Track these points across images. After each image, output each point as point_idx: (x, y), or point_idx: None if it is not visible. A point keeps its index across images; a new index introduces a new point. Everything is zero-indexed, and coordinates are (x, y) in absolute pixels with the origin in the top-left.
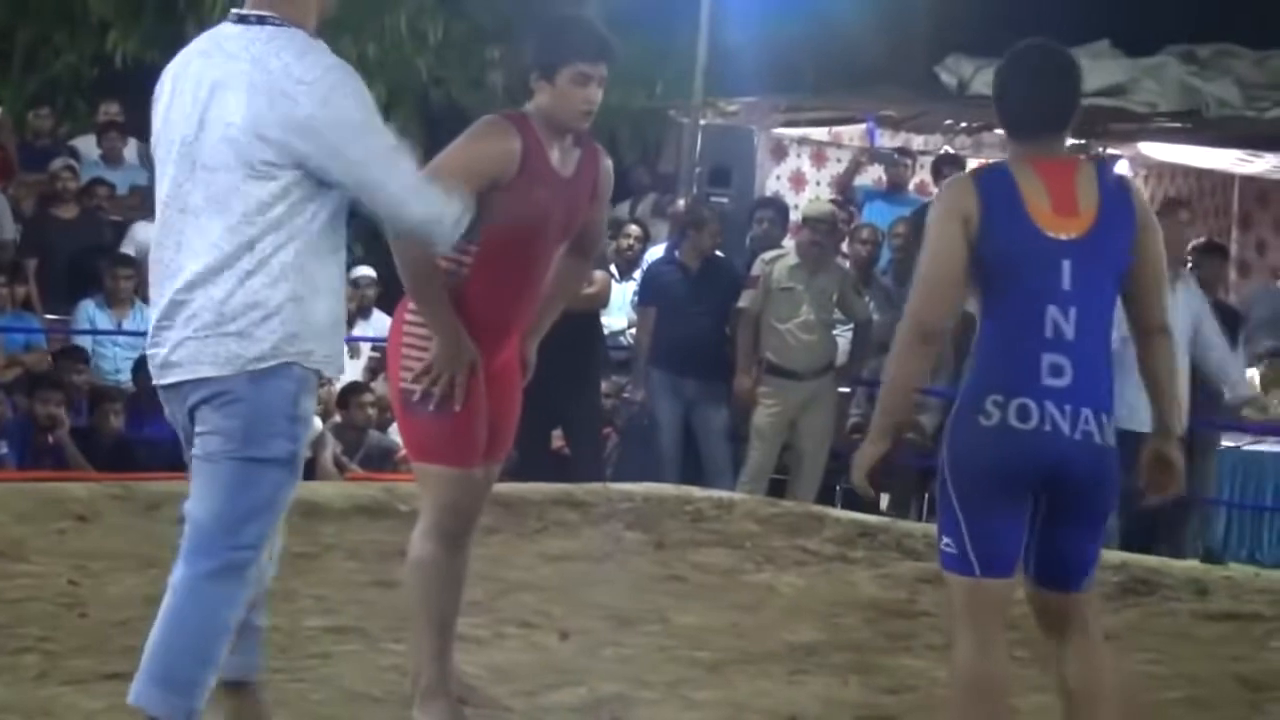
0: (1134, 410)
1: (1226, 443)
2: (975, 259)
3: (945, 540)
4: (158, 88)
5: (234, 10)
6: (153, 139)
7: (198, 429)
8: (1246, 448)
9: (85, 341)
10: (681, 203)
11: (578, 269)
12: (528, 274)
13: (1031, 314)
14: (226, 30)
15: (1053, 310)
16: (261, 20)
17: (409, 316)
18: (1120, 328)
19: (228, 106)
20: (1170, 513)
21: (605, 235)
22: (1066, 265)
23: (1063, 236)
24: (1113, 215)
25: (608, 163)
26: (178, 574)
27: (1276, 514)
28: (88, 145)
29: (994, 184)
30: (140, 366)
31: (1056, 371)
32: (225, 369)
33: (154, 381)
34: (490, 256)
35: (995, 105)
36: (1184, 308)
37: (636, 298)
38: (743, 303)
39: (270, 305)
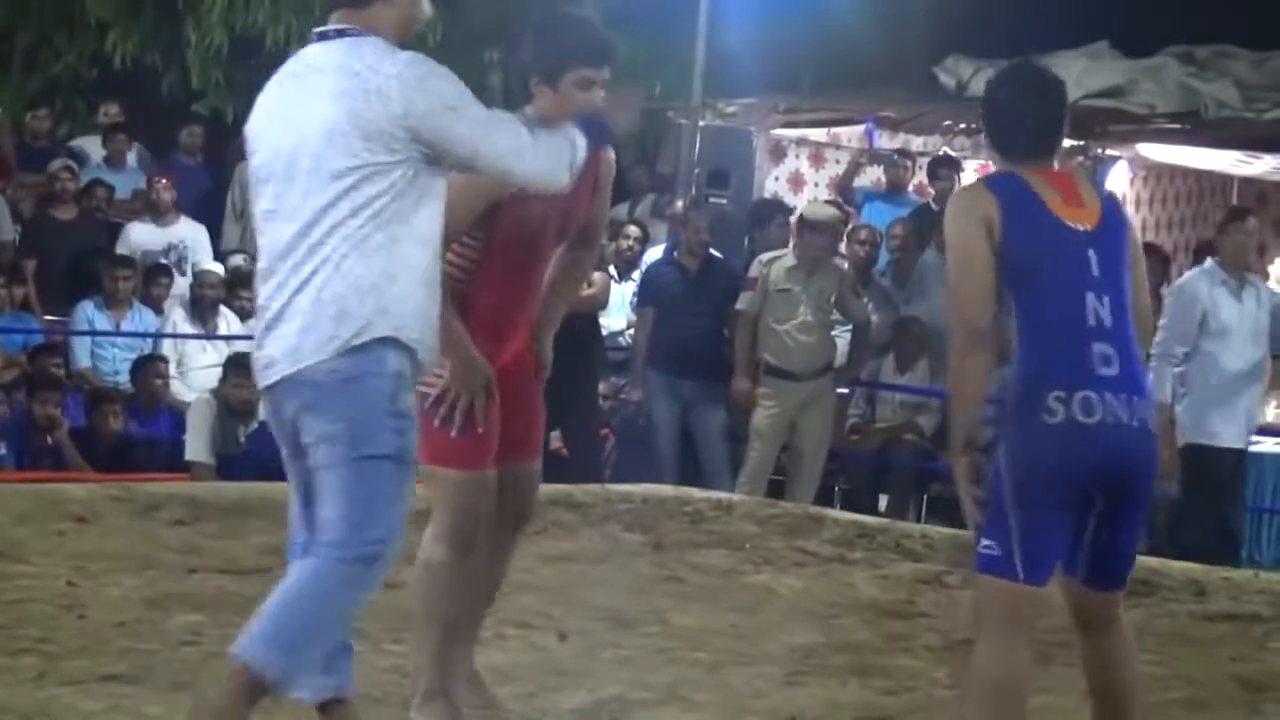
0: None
1: None
2: (1003, 259)
3: (987, 543)
4: (253, 116)
5: (315, 30)
6: (250, 166)
7: (304, 439)
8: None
9: (84, 342)
10: (680, 204)
11: (580, 261)
12: (528, 280)
13: (1072, 304)
14: (310, 50)
15: (1090, 298)
16: (340, 33)
17: None
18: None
19: (324, 115)
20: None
21: (605, 227)
22: (1092, 254)
23: (1082, 227)
24: (1112, 214)
25: (609, 155)
26: (306, 560)
27: (1275, 515)
28: (92, 146)
29: (1007, 185)
30: (138, 367)
31: (1106, 360)
32: (323, 353)
33: (258, 385)
34: (491, 266)
35: (986, 127)
36: (1260, 308)
37: (635, 298)
38: (741, 304)
39: (364, 284)
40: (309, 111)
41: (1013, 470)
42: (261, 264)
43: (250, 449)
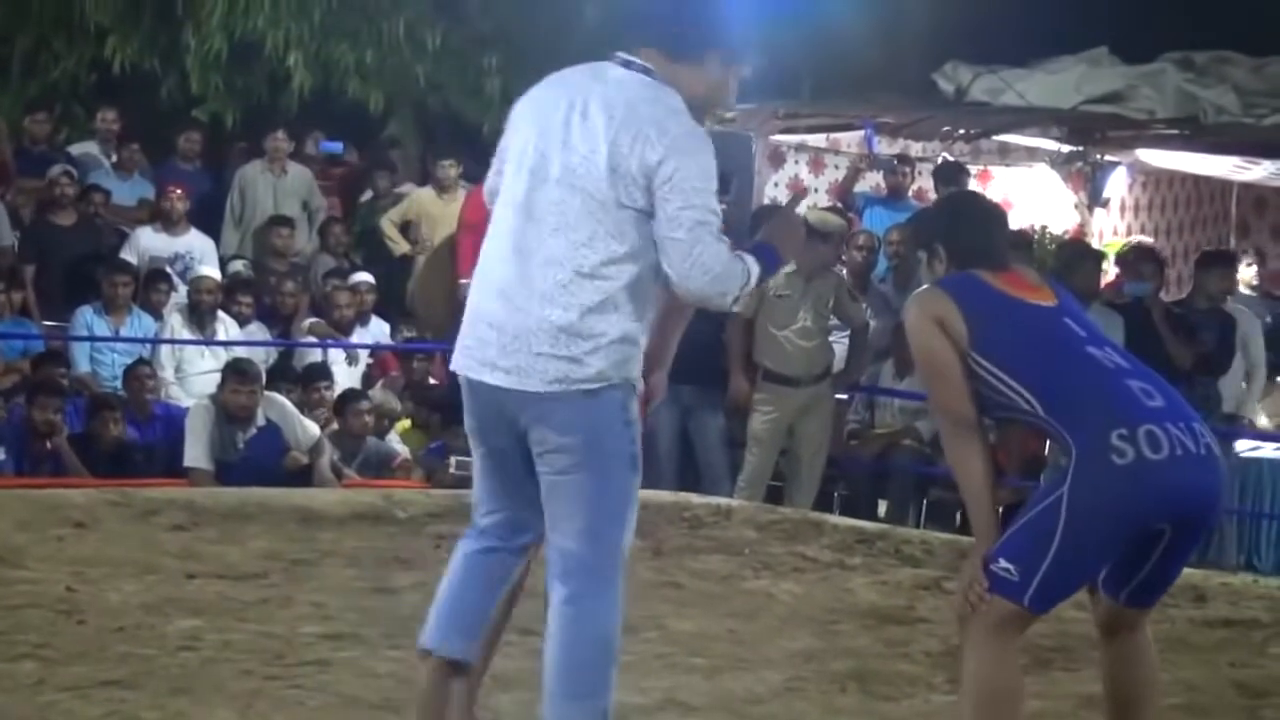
0: None
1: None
2: (987, 351)
3: (1005, 564)
4: (537, 90)
5: (620, 54)
6: (512, 139)
7: (537, 449)
8: (1244, 454)
9: (83, 347)
10: None
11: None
12: None
13: (1083, 359)
14: (613, 68)
15: (1094, 350)
16: (646, 71)
17: None
18: None
19: (596, 135)
20: None
21: None
22: (1068, 321)
23: (1047, 304)
24: (1064, 292)
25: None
26: (557, 595)
27: (1274, 521)
28: (91, 151)
29: (961, 283)
30: (130, 373)
31: (1148, 394)
32: (553, 387)
33: (463, 371)
34: None
35: (944, 243)
36: None
37: None
38: (735, 307)
39: (602, 340)
40: (585, 125)
41: (1071, 510)
42: (490, 247)
43: (249, 454)
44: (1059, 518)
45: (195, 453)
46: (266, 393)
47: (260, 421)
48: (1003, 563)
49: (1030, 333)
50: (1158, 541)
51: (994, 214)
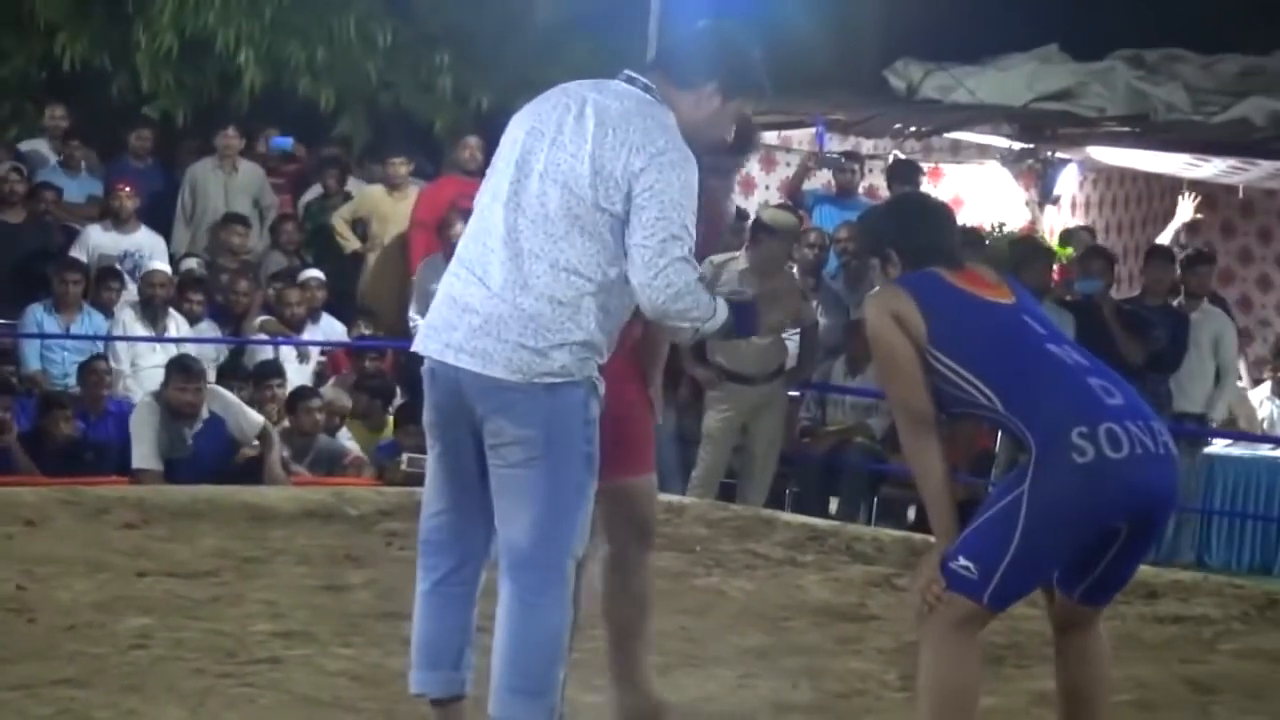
0: None
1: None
2: (947, 346)
3: (965, 562)
4: (538, 98)
5: (628, 71)
6: (504, 140)
7: (491, 441)
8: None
9: (33, 345)
10: None
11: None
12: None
13: (1043, 355)
14: (616, 83)
15: (1053, 347)
16: (647, 88)
17: None
18: None
19: (585, 135)
20: None
21: None
22: (1026, 319)
23: (1005, 301)
24: (1021, 289)
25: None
26: (506, 590)
27: (1225, 517)
28: (41, 149)
29: (920, 280)
30: (86, 367)
31: (1107, 392)
32: (515, 377)
33: (426, 352)
34: None
35: (895, 247)
36: None
37: None
38: (688, 339)
39: (570, 337)
40: (578, 128)
41: (1032, 508)
42: (473, 230)
43: (196, 451)
44: (1019, 516)
45: (142, 452)
46: (209, 386)
47: (205, 415)
48: (962, 560)
49: (989, 329)
50: (1114, 540)
51: (941, 212)
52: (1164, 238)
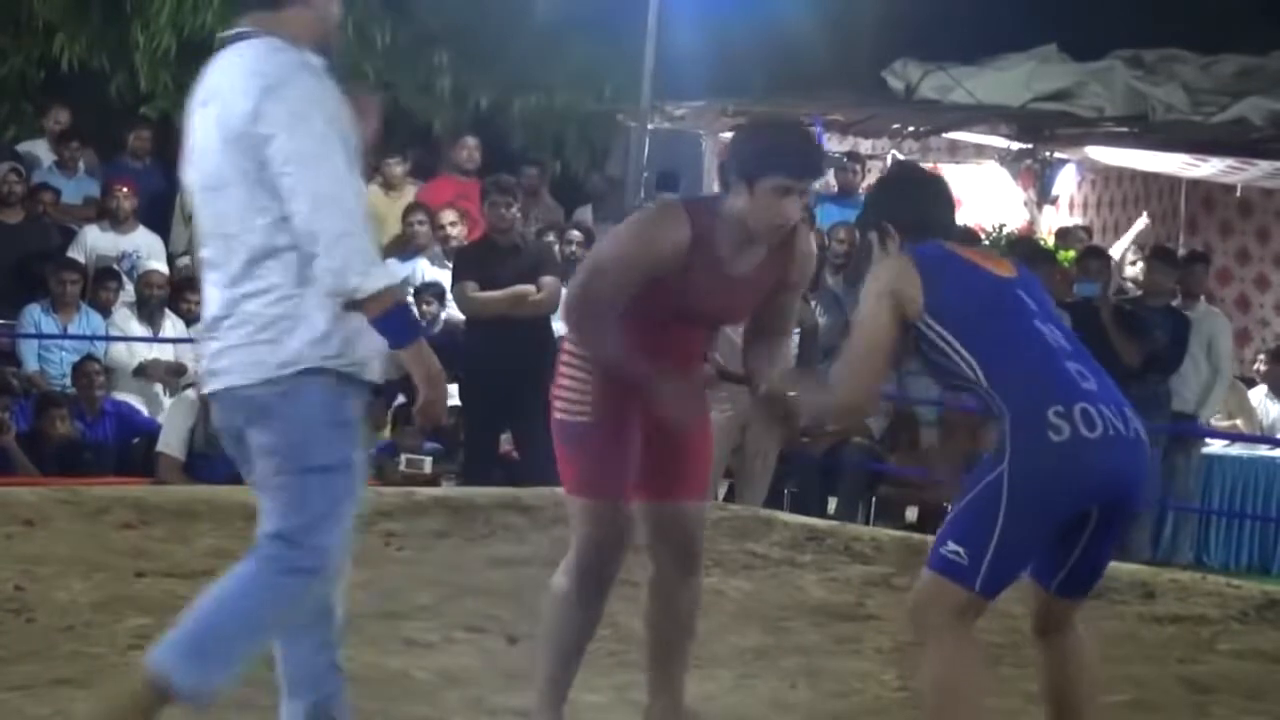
0: None
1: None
2: (942, 314)
3: (954, 547)
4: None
5: (219, 36)
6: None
7: (251, 454)
8: (1203, 452)
9: (31, 345)
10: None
11: (766, 351)
12: (663, 348)
13: (1029, 334)
14: (222, 54)
15: (1040, 325)
16: (241, 36)
17: (566, 346)
18: None
19: (210, 120)
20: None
21: (792, 317)
22: (1023, 294)
23: (1005, 275)
24: (1023, 267)
25: (807, 248)
26: (238, 567)
27: (1223, 517)
28: (40, 150)
29: (927, 251)
30: (78, 369)
31: (1083, 376)
32: (251, 377)
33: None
34: (629, 326)
35: (890, 220)
36: None
37: None
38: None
39: (296, 313)
40: (204, 118)
41: (1012, 487)
42: (202, 258)
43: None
44: (1001, 496)
45: (169, 439)
46: None
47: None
48: (951, 545)
49: (981, 298)
50: (1084, 525)
51: (936, 184)
52: (1116, 250)
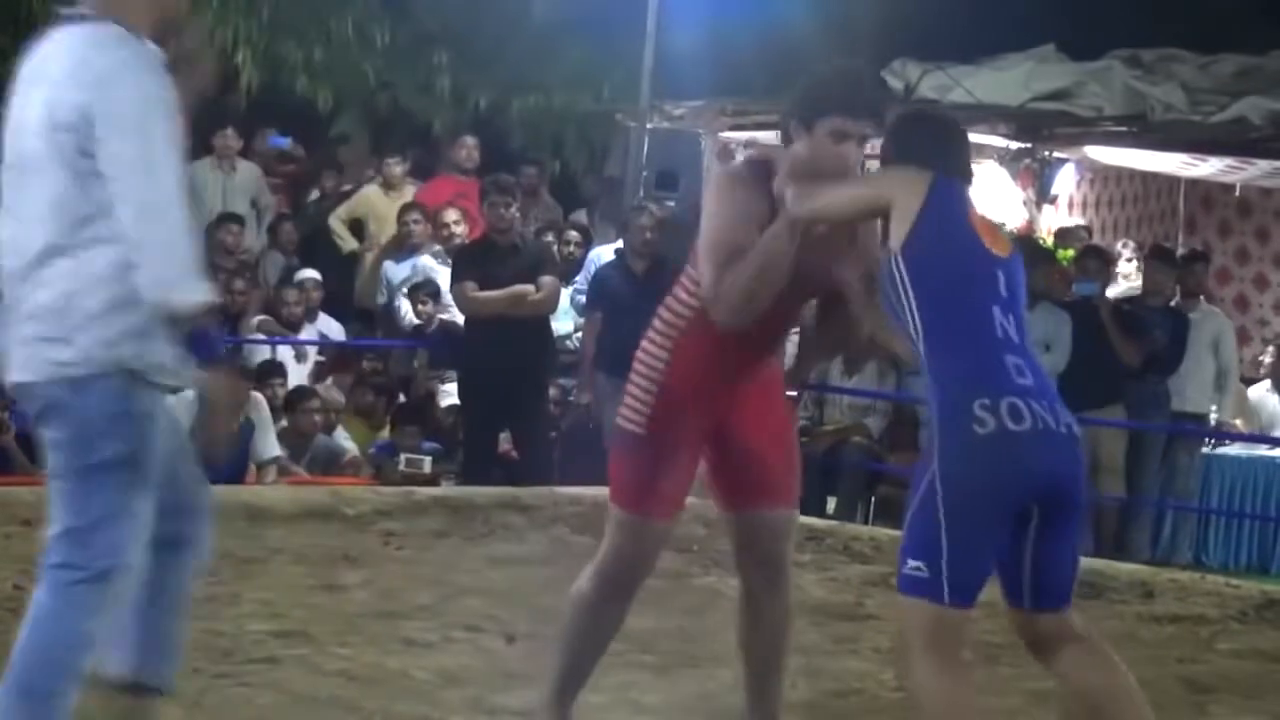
0: None
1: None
2: (913, 257)
3: (914, 564)
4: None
5: (56, 11)
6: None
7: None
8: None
9: None
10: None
11: (847, 313)
12: (757, 327)
13: (982, 315)
14: (55, 33)
15: (998, 312)
16: (76, 17)
17: (640, 356)
18: None
19: (35, 101)
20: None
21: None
22: (1000, 275)
23: (996, 252)
24: (1018, 252)
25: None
26: (39, 587)
27: (1223, 517)
28: None
29: (948, 188)
30: None
31: (1019, 371)
32: (41, 374)
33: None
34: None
35: (919, 159)
36: None
37: (585, 301)
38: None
39: (89, 311)
40: (30, 99)
41: (945, 487)
42: None
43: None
44: (937, 499)
45: None
46: (253, 393)
47: (240, 419)
48: (911, 563)
49: (959, 266)
50: (1027, 526)
51: (949, 126)
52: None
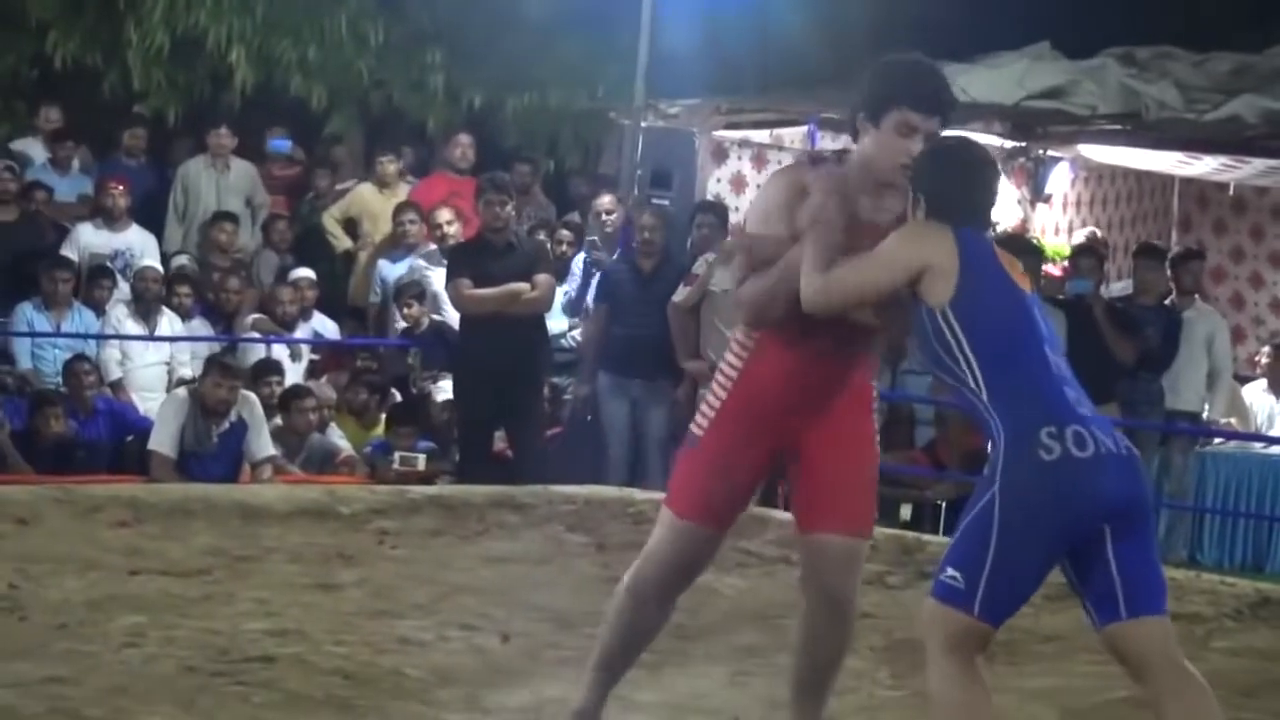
0: None
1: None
2: (964, 314)
3: (952, 573)
4: None
5: None
6: None
7: None
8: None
9: (24, 344)
10: (604, 200)
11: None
12: (829, 337)
13: (1037, 355)
14: None
15: (1047, 350)
16: None
17: (719, 368)
18: None
19: None
20: None
21: None
22: (1036, 313)
23: (1026, 289)
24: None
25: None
26: None
27: (1218, 515)
28: (33, 149)
29: (974, 243)
30: (68, 369)
31: (1079, 402)
32: None
33: None
34: (769, 337)
35: (923, 194)
36: None
37: (590, 297)
38: (676, 298)
39: None
40: None
41: (1005, 505)
42: None
43: (219, 449)
44: (993, 518)
45: (161, 438)
46: (243, 391)
47: (232, 417)
48: (950, 571)
49: (1007, 312)
50: (1102, 541)
51: (985, 171)
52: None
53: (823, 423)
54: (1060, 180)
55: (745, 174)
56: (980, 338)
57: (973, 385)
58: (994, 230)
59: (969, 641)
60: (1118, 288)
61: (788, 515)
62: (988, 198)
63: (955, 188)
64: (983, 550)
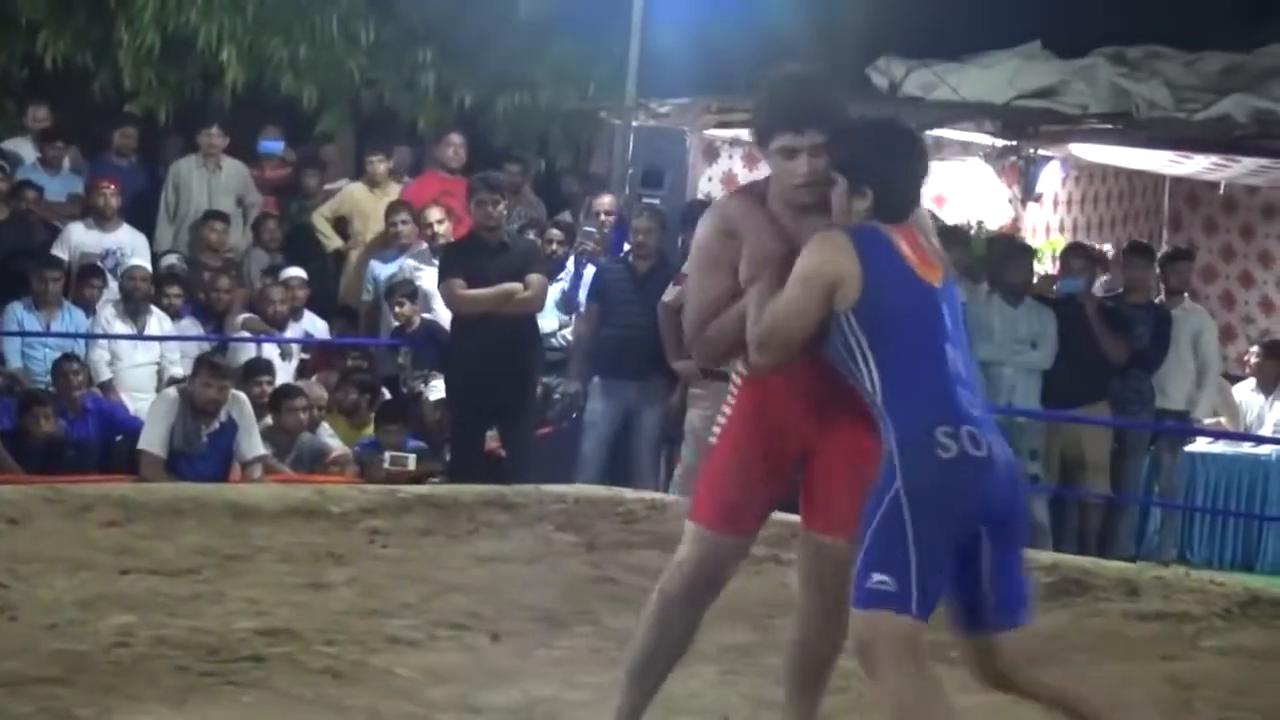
0: None
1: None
2: (865, 314)
3: (880, 577)
4: None
5: None
6: None
7: None
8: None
9: (14, 343)
10: (605, 200)
11: None
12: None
13: (936, 354)
14: None
15: (949, 349)
16: None
17: (734, 379)
18: None
19: None
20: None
21: None
22: (944, 309)
23: (933, 284)
24: (948, 269)
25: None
26: None
27: (1207, 514)
28: (23, 148)
29: (872, 243)
30: (57, 368)
31: (971, 404)
32: None
33: None
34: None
35: (865, 183)
36: None
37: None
38: (666, 297)
39: None
40: None
41: (913, 504)
42: None
43: (209, 449)
44: (904, 517)
45: (151, 437)
46: (234, 391)
47: (222, 417)
48: (876, 576)
49: (907, 313)
50: (978, 549)
51: (925, 159)
52: None
53: (835, 429)
54: (1051, 179)
55: (736, 173)
56: (879, 339)
57: (869, 387)
58: (981, 230)
59: (917, 643)
60: (1100, 283)
61: (778, 515)
62: (923, 185)
63: (905, 179)
64: (903, 550)
